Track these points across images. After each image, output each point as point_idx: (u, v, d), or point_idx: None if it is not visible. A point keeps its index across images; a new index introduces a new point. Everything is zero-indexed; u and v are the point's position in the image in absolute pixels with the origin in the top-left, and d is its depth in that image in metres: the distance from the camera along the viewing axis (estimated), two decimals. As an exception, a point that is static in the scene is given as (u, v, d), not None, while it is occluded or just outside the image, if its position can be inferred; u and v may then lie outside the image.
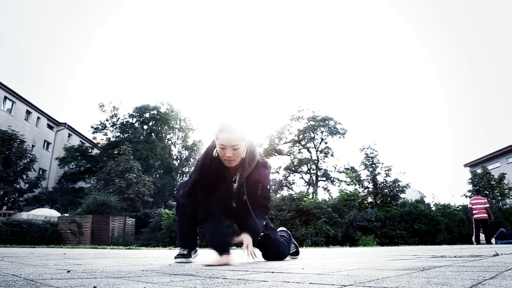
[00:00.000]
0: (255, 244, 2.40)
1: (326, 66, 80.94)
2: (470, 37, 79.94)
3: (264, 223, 2.37)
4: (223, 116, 2.09)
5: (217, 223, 2.11)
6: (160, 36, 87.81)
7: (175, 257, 2.45)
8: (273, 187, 25.41)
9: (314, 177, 25.73)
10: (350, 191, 16.88)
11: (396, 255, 3.09)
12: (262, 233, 2.33)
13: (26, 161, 21.72)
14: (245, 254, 2.07)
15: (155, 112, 29.82)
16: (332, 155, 26.04)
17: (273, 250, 2.45)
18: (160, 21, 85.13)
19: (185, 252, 2.47)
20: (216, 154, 2.08)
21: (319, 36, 76.27)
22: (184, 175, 32.86)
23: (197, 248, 2.66)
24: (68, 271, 1.53)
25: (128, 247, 11.20)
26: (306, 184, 26.03)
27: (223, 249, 2.00)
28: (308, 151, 26.40)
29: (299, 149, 26.82)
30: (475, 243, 10.42)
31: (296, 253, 2.78)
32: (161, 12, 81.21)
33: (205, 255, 3.39)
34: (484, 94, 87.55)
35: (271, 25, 76.72)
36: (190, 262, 2.39)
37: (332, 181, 25.45)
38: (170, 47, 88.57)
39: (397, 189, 17.18)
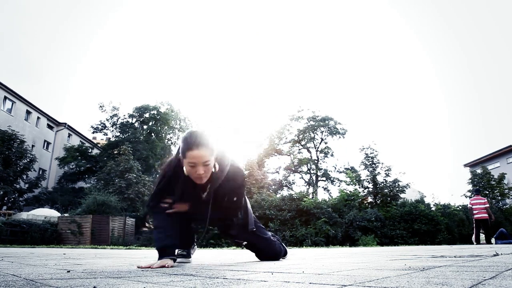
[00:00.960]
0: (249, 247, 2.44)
1: (326, 66, 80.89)
2: (470, 37, 79.89)
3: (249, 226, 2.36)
4: (187, 131, 1.97)
5: (164, 226, 2.03)
6: (160, 36, 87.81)
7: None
8: (273, 187, 25.37)
9: (314, 177, 25.71)
10: (350, 191, 16.90)
11: (396, 255, 3.09)
12: (252, 230, 2.34)
13: (26, 161, 21.70)
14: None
15: (155, 112, 29.79)
16: (332, 155, 26.05)
17: (269, 250, 2.47)
18: (160, 21, 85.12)
19: (185, 252, 2.49)
20: (185, 173, 1.95)
21: (319, 36, 76.26)
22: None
23: (195, 244, 2.72)
24: (68, 271, 1.53)
25: (128, 247, 11.20)
26: (306, 184, 26.02)
27: (161, 253, 1.94)
28: (308, 151, 26.41)
29: (299, 149, 26.83)
30: (475, 243, 10.42)
31: (284, 254, 2.80)
32: (161, 12, 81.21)
33: (201, 253, 3.39)
34: (484, 94, 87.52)
35: (271, 25, 76.72)
36: (189, 262, 2.40)
37: (332, 181, 25.45)
38: (170, 47, 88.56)
39: (397, 189, 17.19)
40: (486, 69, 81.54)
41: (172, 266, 1.83)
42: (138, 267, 1.79)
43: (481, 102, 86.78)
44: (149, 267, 1.77)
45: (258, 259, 2.51)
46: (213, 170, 1.96)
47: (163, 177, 2.08)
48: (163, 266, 1.80)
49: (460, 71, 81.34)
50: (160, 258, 1.90)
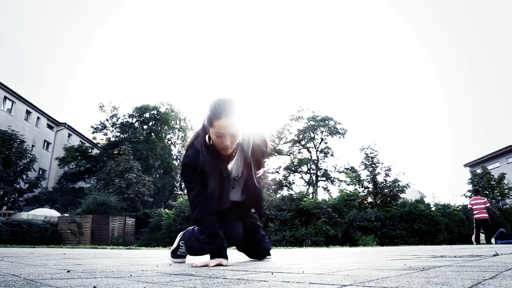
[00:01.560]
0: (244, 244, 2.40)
1: (326, 66, 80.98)
2: (470, 37, 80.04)
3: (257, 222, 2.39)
4: (215, 98, 1.84)
5: (211, 225, 1.94)
6: (160, 36, 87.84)
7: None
8: (273, 187, 25.36)
9: (314, 177, 25.66)
10: (350, 191, 16.87)
11: (396, 255, 3.09)
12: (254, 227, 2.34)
13: (26, 161, 21.70)
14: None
15: (155, 112, 29.80)
16: (332, 155, 25.95)
17: (261, 248, 2.44)
18: (160, 21, 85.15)
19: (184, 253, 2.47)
20: (210, 142, 1.87)
21: (319, 36, 76.34)
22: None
23: None
24: (68, 271, 1.53)
25: (128, 247, 11.20)
26: (306, 184, 25.95)
27: (216, 253, 1.89)
28: (308, 151, 26.33)
29: (299, 149, 26.74)
30: (475, 243, 10.42)
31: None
32: (161, 12, 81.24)
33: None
34: (484, 94, 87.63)
35: (271, 25, 76.75)
36: (184, 262, 2.38)
37: (332, 181, 25.38)
38: (170, 47, 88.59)
39: (397, 189, 17.16)
40: (486, 69, 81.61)
41: (227, 265, 1.83)
42: (192, 267, 1.78)
43: (481, 102, 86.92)
44: (205, 266, 1.76)
45: (251, 259, 2.49)
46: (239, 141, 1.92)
47: (194, 156, 1.90)
48: (220, 264, 1.80)
49: (460, 71, 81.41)
50: (213, 257, 1.87)
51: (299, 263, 2.10)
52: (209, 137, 1.86)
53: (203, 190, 1.93)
